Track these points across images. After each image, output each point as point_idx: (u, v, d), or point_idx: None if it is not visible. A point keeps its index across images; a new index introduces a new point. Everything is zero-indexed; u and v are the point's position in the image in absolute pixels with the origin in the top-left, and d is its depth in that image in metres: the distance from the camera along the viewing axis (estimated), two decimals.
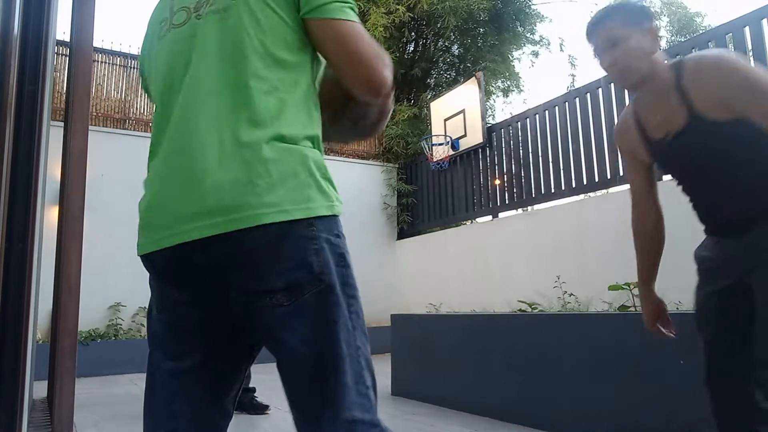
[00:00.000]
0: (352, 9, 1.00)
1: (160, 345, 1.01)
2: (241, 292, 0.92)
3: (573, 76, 14.74)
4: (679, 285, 4.20)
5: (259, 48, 0.95)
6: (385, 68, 0.99)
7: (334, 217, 0.96)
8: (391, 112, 1.17)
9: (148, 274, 1.02)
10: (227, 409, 1.04)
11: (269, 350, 0.97)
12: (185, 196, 0.91)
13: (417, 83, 10.23)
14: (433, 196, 8.14)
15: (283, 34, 0.97)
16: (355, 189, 8.34)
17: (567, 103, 5.93)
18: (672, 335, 1.71)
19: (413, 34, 10.46)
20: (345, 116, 1.13)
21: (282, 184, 0.90)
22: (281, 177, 0.90)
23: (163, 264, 0.97)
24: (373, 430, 0.90)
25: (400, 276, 8.42)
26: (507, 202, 6.82)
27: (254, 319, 0.93)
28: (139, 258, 1.00)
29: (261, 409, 3.68)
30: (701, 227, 1.62)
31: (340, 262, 0.95)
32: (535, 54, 12.08)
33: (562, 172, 5.94)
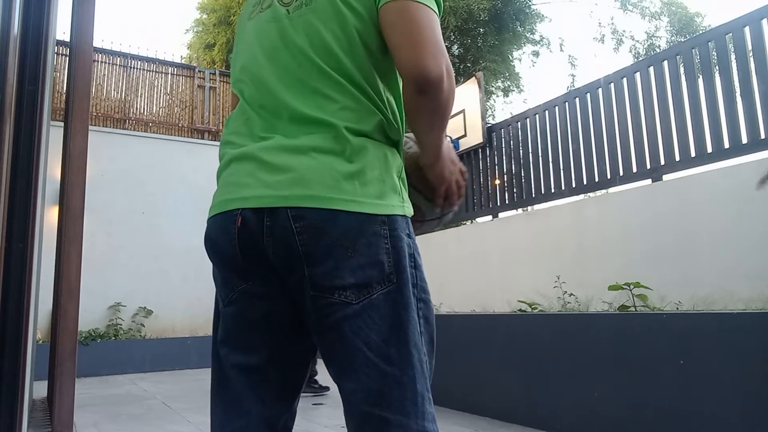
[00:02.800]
0: (436, 1, 0.96)
1: (226, 338, 0.96)
2: (307, 283, 0.87)
3: (573, 76, 14.78)
4: (679, 285, 4.20)
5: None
6: (444, 61, 0.89)
7: (406, 217, 0.93)
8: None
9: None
10: (294, 409, 0.99)
11: (326, 349, 0.90)
12: None
13: None
14: None
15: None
16: None
17: (567, 103, 5.92)
18: None
19: None
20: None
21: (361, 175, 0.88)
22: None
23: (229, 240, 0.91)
24: None
25: None
26: (507, 202, 6.80)
27: (318, 314, 0.88)
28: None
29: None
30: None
31: (411, 262, 0.91)
32: (536, 54, 12.11)
33: (561, 172, 5.93)
